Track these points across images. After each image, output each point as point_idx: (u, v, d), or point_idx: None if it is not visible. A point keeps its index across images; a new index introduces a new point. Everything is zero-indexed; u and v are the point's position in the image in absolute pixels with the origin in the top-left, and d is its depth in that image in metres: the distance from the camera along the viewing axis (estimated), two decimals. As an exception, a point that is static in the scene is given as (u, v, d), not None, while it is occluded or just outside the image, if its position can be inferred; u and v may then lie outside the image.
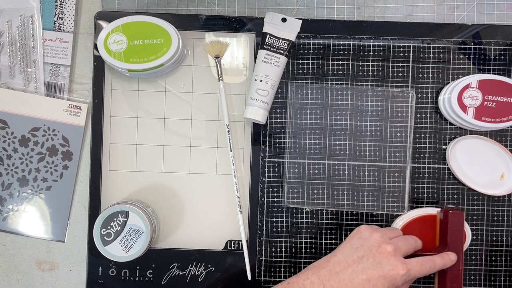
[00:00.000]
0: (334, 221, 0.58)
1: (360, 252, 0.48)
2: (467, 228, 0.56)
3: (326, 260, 0.49)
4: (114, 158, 0.58)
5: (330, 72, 0.58)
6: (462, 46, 0.58)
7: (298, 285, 0.48)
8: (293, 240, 0.58)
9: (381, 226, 0.58)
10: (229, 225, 0.58)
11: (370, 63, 0.58)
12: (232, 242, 0.58)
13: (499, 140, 0.58)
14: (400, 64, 0.58)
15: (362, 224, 0.58)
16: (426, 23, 0.58)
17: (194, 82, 0.59)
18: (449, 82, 0.58)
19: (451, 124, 0.58)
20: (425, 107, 0.58)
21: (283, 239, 0.58)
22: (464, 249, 0.56)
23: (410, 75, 0.58)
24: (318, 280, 0.47)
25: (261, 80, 0.55)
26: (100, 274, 0.58)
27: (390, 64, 0.58)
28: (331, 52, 0.58)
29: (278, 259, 0.58)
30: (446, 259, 0.51)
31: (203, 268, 0.58)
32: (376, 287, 0.46)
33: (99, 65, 0.58)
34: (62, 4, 0.59)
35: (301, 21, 0.57)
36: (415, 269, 0.48)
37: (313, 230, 0.58)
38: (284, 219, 0.58)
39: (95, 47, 0.57)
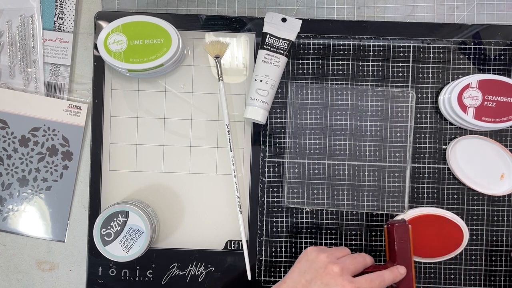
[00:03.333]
0: (334, 221, 0.58)
1: (308, 276, 0.48)
2: (464, 228, 0.56)
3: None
4: (114, 158, 0.58)
5: (330, 72, 0.58)
6: (462, 46, 0.58)
7: None
8: (293, 240, 0.58)
9: (381, 226, 0.58)
10: (229, 225, 0.58)
11: (370, 63, 0.58)
12: (232, 242, 0.58)
13: (499, 140, 0.58)
14: (400, 64, 0.58)
15: (363, 224, 0.58)
16: (426, 23, 0.58)
17: (194, 82, 0.59)
18: (449, 82, 0.58)
19: (451, 124, 0.58)
20: (425, 107, 0.58)
21: (283, 239, 0.58)
22: (462, 248, 0.56)
23: (410, 75, 0.58)
24: None
25: (261, 80, 0.55)
26: (100, 274, 0.58)
27: (390, 64, 0.58)
28: (331, 52, 0.58)
29: (278, 259, 0.58)
30: (395, 272, 0.50)
31: (203, 268, 0.58)
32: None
33: (99, 65, 0.58)
34: (62, 4, 0.59)
35: (301, 21, 0.57)
36: (364, 287, 0.47)
37: (313, 230, 0.58)
38: (284, 219, 0.58)
39: (95, 47, 0.57)
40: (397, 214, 0.57)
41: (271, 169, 0.58)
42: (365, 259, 0.51)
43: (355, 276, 0.49)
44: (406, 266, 0.51)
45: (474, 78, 0.55)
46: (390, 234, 0.53)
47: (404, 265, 0.51)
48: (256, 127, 0.58)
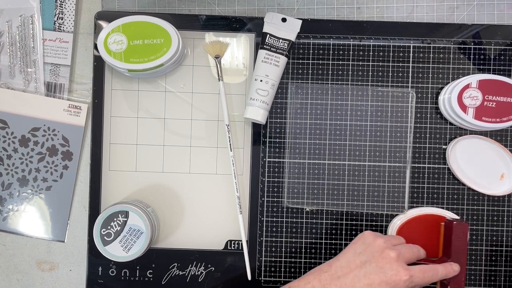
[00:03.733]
0: (334, 221, 0.58)
1: (363, 257, 0.48)
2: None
3: (329, 265, 0.49)
4: (114, 158, 0.58)
5: (330, 72, 0.58)
6: (462, 46, 0.58)
7: None
8: (293, 240, 0.58)
9: (381, 225, 0.58)
10: (229, 225, 0.58)
11: (370, 63, 0.58)
12: (232, 242, 0.58)
13: (499, 140, 0.58)
14: (400, 64, 0.58)
15: (363, 224, 0.58)
16: (426, 23, 0.58)
17: (194, 82, 0.59)
18: (449, 82, 0.58)
19: (451, 124, 0.58)
20: (425, 107, 0.58)
21: (283, 239, 0.58)
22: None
23: (410, 75, 0.58)
24: (320, 284, 0.47)
25: (261, 80, 0.55)
26: (100, 274, 0.58)
27: (390, 64, 0.58)
28: (331, 52, 0.58)
29: (278, 259, 0.58)
30: (449, 269, 0.50)
31: (203, 268, 0.58)
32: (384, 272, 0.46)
33: (99, 65, 0.58)
34: (62, 4, 0.59)
35: (301, 21, 0.57)
36: (418, 276, 0.48)
37: (313, 230, 0.58)
38: (284, 219, 0.58)
39: (95, 47, 0.57)
40: (397, 215, 0.57)
41: (271, 169, 0.58)
42: (419, 251, 0.51)
43: (409, 265, 0.49)
44: (460, 264, 0.51)
45: (474, 78, 0.55)
46: (448, 231, 0.53)
47: (457, 263, 0.51)
48: (256, 127, 0.58)
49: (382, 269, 0.47)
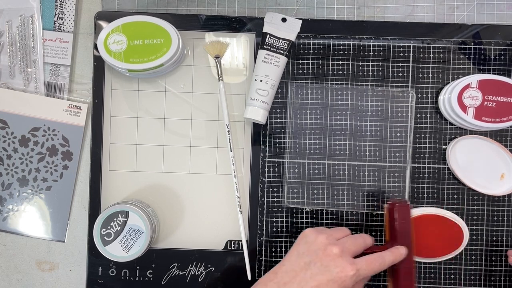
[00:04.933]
0: (334, 221, 0.58)
1: (307, 258, 0.47)
2: (464, 228, 0.56)
3: (274, 272, 0.47)
4: (114, 158, 0.58)
5: (330, 72, 0.58)
6: (462, 46, 0.58)
7: None
8: (293, 240, 0.58)
9: (381, 225, 0.58)
10: (229, 225, 0.58)
11: (370, 63, 0.58)
12: (232, 242, 0.58)
13: (499, 140, 0.58)
14: (400, 64, 0.58)
15: (363, 224, 0.58)
16: (426, 23, 0.58)
17: (194, 82, 0.59)
18: (449, 82, 0.58)
19: (451, 124, 0.58)
20: (425, 107, 0.58)
21: (283, 239, 0.58)
22: (462, 248, 0.56)
23: (410, 75, 0.58)
24: None
25: (261, 80, 0.55)
26: (100, 274, 0.58)
27: (390, 64, 0.58)
28: (331, 52, 0.58)
29: (278, 259, 0.58)
30: (396, 253, 0.49)
31: (203, 268, 0.58)
32: (329, 271, 0.45)
33: (99, 65, 0.58)
34: (62, 4, 0.59)
35: (301, 21, 0.57)
36: (364, 268, 0.46)
37: (313, 230, 0.58)
38: (284, 219, 0.58)
39: (95, 47, 0.57)
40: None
41: (271, 169, 0.58)
42: (365, 240, 0.50)
43: (355, 257, 0.47)
44: (407, 246, 0.51)
45: (474, 78, 0.55)
46: (391, 214, 0.52)
47: (404, 246, 0.51)
48: (256, 127, 0.58)
49: (327, 268, 0.45)
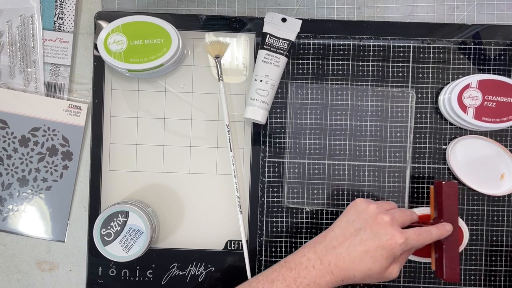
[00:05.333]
0: (334, 221, 0.58)
1: (357, 224, 0.48)
2: (464, 227, 0.56)
3: (323, 236, 0.49)
4: (114, 158, 0.58)
5: (330, 72, 0.58)
6: (462, 46, 0.58)
7: (294, 262, 0.47)
8: (293, 240, 0.58)
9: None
10: (229, 225, 0.58)
11: (370, 63, 0.58)
12: (232, 242, 0.58)
13: (499, 140, 0.58)
14: (400, 64, 0.58)
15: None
16: (426, 23, 0.58)
17: (194, 82, 0.59)
18: (449, 82, 0.58)
19: (451, 124, 0.58)
20: (425, 107, 0.58)
21: (283, 239, 0.58)
22: (462, 248, 0.56)
23: (410, 75, 0.58)
24: (315, 256, 0.47)
25: (261, 80, 0.55)
26: (100, 274, 0.58)
27: (390, 64, 0.58)
28: (331, 52, 0.58)
29: (278, 259, 0.58)
30: (442, 229, 0.50)
31: (203, 268, 0.58)
32: (375, 258, 0.46)
33: (99, 65, 0.58)
34: (62, 4, 0.59)
35: (301, 21, 0.57)
36: (413, 238, 0.47)
37: (313, 230, 0.58)
38: (284, 219, 0.58)
39: (95, 47, 0.57)
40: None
41: (271, 169, 0.58)
42: (412, 214, 0.51)
43: (403, 228, 0.48)
44: (453, 224, 0.51)
45: (474, 78, 0.55)
46: (438, 192, 0.53)
47: (450, 223, 0.51)
48: (256, 127, 0.58)
49: (377, 234, 0.46)
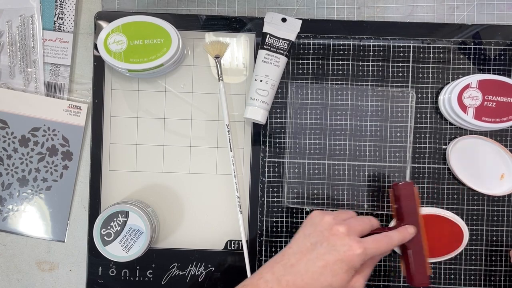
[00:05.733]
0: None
1: (313, 238, 0.46)
2: (464, 228, 0.56)
3: (282, 254, 0.47)
4: (114, 158, 0.58)
5: (330, 72, 0.58)
6: (462, 46, 0.58)
7: (252, 286, 0.45)
8: (293, 240, 0.58)
9: (381, 226, 0.58)
10: (229, 225, 0.58)
11: (370, 63, 0.58)
12: (232, 242, 0.58)
13: (499, 140, 0.58)
14: (400, 64, 0.58)
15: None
16: (426, 23, 0.58)
17: (194, 82, 0.59)
18: (449, 82, 0.58)
19: (451, 124, 0.58)
20: (425, 107, 0.58)
21: (283, 239, 0.58)
22: (462, 248, 0.56)
23: (410, 75, 0.58)
24: (273, 277, 0.45)
25: (261, 80, 0.55)
26: (100, 274, 0.58)
27: (390, 64, 0.58)
28: (331, 52, 0.58)
29: (278, 259, 0.58)
30: (404, 233, 0.48)
31: (203, 268, 0.58)
32: (334, 272, 0.44)
33: (99, 65, 0.58)
34: (62, 4, 0.59)
35: (301, 21, 0.57)
36: (372, 247, 0.45)
37: (313, 230, 0.58)
38: (284, 219, 0.58)
39: (95, 47, 0.57)
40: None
41: (271, 169, 0.58)
42: (370, 221, 0.49)
43: (362, 237, 0.47)
44: (415, 225, 0.50)
45: (474, 78, 0.55)
46: (396, 194, 0.51)
47: (412, 225, 0.50)
48: (256, 127, 0.58)
49: (334, 247, 0.44)
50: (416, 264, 0.50)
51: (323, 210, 0.50)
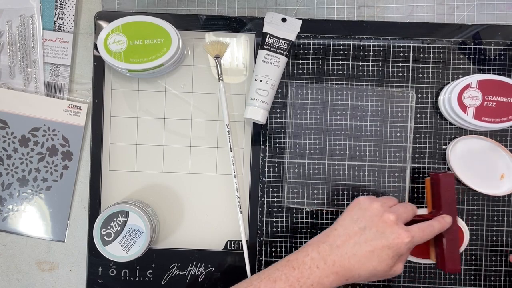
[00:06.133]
0: (334, 221, 0.58)
1: (362, 223, 0.47)
2: (464, 228, 0.56)
3: (326, 235, 0.48)
4: (114, 158, 0.58)
5: (330, 72, 0.58)
6: (462, 46, 0.58)
7: (297, 262, 0.47)
8: (293, 240, 0.58)
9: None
10: (229, 225, 0.58)
11: (370, 63, 0.58)
12: (232, 242, 0.58)
13: (499, 140, 0.58)
14: (400, 64, 0.58)
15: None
16: (426, 23, 0.58)
17: (194, 82, 0.59)
18: (449, 82, 0.58)
19: (451, 124, 0.58)
20: (425, 107, 0.58)
21: (283, 239, 0.58)
22: (462, 248, 0.56)
23: (410, 75, 0.58)
24: (319, 256, 0.46)
25: (261, 80, 0.55)
26: (100, 274, 0.58)
27: (390, 64, 0.58)
28: (331, 52, 0.58)
29: (278, 259, 0.58)
30: (442, 222, 0.50)
31: (203, 268, 0.58)
32: (381, 257, 0.46)
33: (99, 65, 0.58)
34: (62, 4, 0.59)
35: (301, 21, 0.57)
36: (418, 236, 0.47)
37: (313, 230, 0.58)
38: (284, 219, 0.58)
39: (95, 47, 0.57)
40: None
41: (271, 169, 0.58)
42: (413, 208, 0.51)
43: (406, 224, 0.48)
44: (452, 215, 0.51)
45: (474, 78, 0.55)
46: (435, 184, 0.53)
47: (449, 214, 0.51)
48: (256, 127, 0.58)
49: (383, 234, 0.46)
50: (449, 251, 0.51)
51: (369, 195, 0.51)
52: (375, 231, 0.46)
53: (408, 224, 0.49)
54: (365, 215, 0.48)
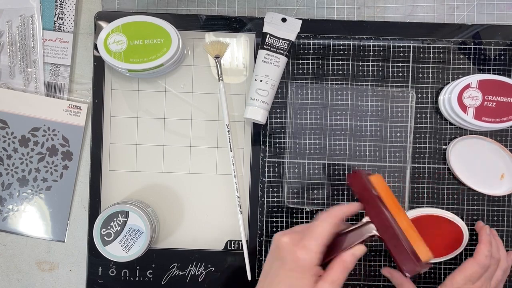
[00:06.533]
0: (334, 221, 0.58)
1: (270, 260, 0.45)
2: (464, 228, 0.56)
3: (259, 280, 0.46)
4: (114, 158, 0.58)
5: (330, 72, 0.58)
6: (462, 46, 0.58)
7: None
8: (293, 240, 0.58)
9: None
10: (229, 225, 0.58)
11: (370, 63, 0.58)
12: (232, 242, 0.58)
13: (499, 140, 0.58)
14: (400, 64, 0.58)
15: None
16: (426, 23, 0.58)
17: (194, 82, 0.59)
18: (449, 82, 0.58)
19: (451, 124, 0.58)
20: (425, 107, 0.58)
21: (283, 239, 0.58)
22: (462, 248, 0.56)
23: (410, 75, 0.58)
24: None
25: (261, 80, 0.55)
26: (100, 274, 0.58)
27: (390, 64, 0.58)
28: (331, 52, 0.58)
29: (278, 259, 0.58)
30: (340, 262, 0.43)
31: (203, 268, 0.58)
32: (291, 284, 0.42)
33: (99, 65, 0.58)
34: (62, 4, 0.59)
35: (301, 21, 0.57)
36: (312, 243, 0.42)
37: (313, 230, 0.58)
38: (284, 219, 0.58)
39: (95, 47, 0.57)
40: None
41: (271, 169, 0.58)
42: (324, 226, 0.44)
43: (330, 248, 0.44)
44: (376, 214, 0.44)
45: (474, 78, 0.55)
46: (351, 186, 0.47)
47: (374, 215, 0.44)
48: (256, 127, 0.58)
49: (284, 259, 0.43)
50: (396, 252, 0.43)
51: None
52: (278, 261, 0.43)
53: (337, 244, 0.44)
54: (272, 250, 0.45)
